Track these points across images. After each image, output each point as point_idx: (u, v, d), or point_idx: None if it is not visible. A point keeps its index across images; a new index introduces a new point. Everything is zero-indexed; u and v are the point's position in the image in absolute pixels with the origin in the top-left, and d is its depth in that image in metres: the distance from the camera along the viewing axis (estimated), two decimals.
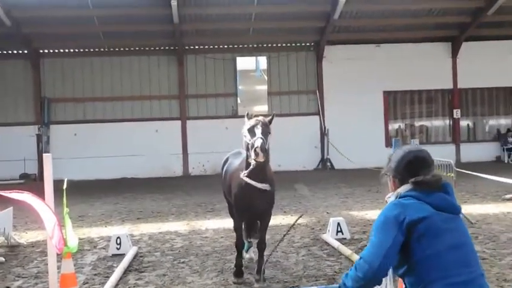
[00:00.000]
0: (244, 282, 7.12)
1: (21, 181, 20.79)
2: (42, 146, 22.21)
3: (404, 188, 2.91)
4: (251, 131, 6.48)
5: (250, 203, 6.79)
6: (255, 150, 6.24)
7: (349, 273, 2.87)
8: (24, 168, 21.85)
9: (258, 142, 6.26)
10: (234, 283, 7.08)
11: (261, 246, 7.09)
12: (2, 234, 9.72)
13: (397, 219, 2.76)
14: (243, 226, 7.38)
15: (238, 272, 7.21)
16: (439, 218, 2.77)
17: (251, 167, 6.47)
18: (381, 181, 3.16)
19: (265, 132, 6.45)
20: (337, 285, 3.02)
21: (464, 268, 2.71)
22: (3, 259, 8.90)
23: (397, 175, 3.00)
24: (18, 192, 6.03)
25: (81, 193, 17.94)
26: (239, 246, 7.27)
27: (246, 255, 7.94)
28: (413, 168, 2.94)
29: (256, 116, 6.77)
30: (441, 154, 12.97)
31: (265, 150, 6.25)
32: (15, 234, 10.51)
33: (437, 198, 2.83)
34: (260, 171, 6.53)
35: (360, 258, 2.84)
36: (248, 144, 6.47)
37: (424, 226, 2.73)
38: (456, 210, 2.87)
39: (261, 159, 6.26)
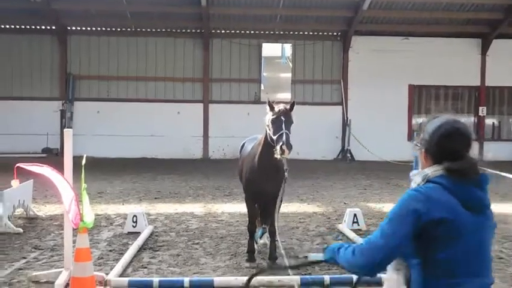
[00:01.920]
0: (256, 266, 7.15)
1: (44, 155, 21.09)
2: (65, 121, 22.43)
3: (434, 171, 2.50)
4: (275, 122, 6.44)
5: (260, 186, 6.86)
6: (281, 148, 6.22)
7: (346, 252, 2.60)
8: (47, 142, 22.14)
9: (284, 138, 6.27)
10: (247, 267, 7.12)
11: (272, 230, 7.13)
12: (22, 206, 9.90)
13: (416, 214, 2.42)
14: (255, 210, 7.41)
15: (251, 257, 7.25)
16: (464, 219, 2.44)
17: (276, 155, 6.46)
18: (413, 151, 2.71)
19: (289, 123, 6.46)
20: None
21: (474, 278, 2.47)
22: (21, 230, 9.06)
23: (429, 149, 2.57)
24: (38, 165, 6.12)
25: (101, 170, 18.11)
26: (251, 231, 7.32)
27: (260, 241, 7.97)
28: (449, 143, 2.51)
29: (277, 103, 6.75)
30: None
31: (291, 146, 6.29)
32: (34, 207, 10.69)
33: (469, 193, 2.46)
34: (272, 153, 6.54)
35: (362, 244, 2.56)
36: (272, 138, 6.44)
37: (444, 229, 2.41)
38: (485, 210, 2.52)
39: (287, 155, 6.34)
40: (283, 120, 6.41)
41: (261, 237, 7.98)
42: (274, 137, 6.38)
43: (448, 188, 2.45)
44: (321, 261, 2.96)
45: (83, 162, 5.88)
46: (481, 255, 2.51)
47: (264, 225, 7.80)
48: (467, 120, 24.95)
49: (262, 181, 6.83)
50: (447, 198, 2.44)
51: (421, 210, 2.42)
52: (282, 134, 6.30)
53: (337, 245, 2.69)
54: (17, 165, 6.05)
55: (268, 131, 6.58)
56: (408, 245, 2.47)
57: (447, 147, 2.52)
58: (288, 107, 6.64)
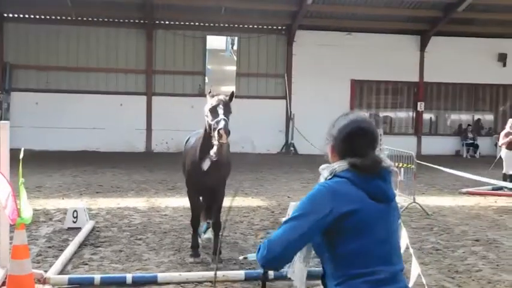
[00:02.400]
0: (201, 262, 7.11)
1: None
2: (2, 113, 21.61)
3: (340, 166, 2.61)
4: (213, 111, 6.48)
5: (201, 180, 6.85)
6: (218, 132, 6.22)
7: (257, 248, 2.65)
8: None
9: (222, 124, 6.29)
10: (191, 263, 7.07)
11: (216, 226, 7.12)
12: None
13: (322, 210, 2.49)
14: (197, 205, 7.37)
15: (195, 252, 7.20)
16: (371, 208, 2.55)
17: (214, 148, 6.43)
18: (323, 148, 2.80)
19: (227, 112, 6.49)
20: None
21: (386, 265, 2.55)
22: None
23: (335, 145, 2.68)
24: None
25: (40, 164, 17.53)
26: (194, 225, 7.29)
27: (204, 236, 7.93)
28: (354, 141, 2.63)
29: (217, 94, 6.75)
30: (403, 145, 13.16)
31: (229, 132, 6.30)
32: None
33: (373, 185, 2.57)
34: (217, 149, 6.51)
35: (268, 239, 2.60)
36: (211, 124, 6.43)
37: (353, 220, 2.50)
38: (389, 199, 2.63)
39: (225, 140, 6.32)
40: (222, 108, 6.44)
41: (205, 232, 7.95)
42: (212, 123, 6.37)
43: (353, 182, 2.56)
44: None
45: (21, 155, 5.67)
46: (390, 244, 2.62)
47: (208, 220, 7.77)
48: (407, 114, 25.75)
49: (204, 174, 6.79)
50: (354, 191, 2.55)
51: (327, 207, 2.50)
52: (220, 120, 6.33)
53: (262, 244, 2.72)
54: None
55: (206, 120, 6.56)
56: (310, 239, 2.57)
57: (351, 145, 2.64)
58: (226, 97, 6.67)
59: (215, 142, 6.40)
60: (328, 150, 2.75)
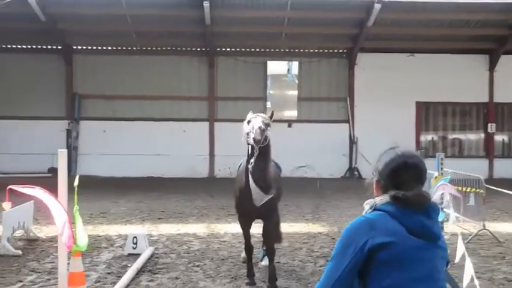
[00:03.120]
0: None
1: (49, 175, 20.99)
2: (71, 141, 22.44)
3: (382, 200, 2.54)
4: (249, 122, 6.61)
5: (248, 206, 6.76)
6: (254, 131, 6.29)
7: None
8: (53, 162, 22.04)
9: (256, 124, 6.37)
10: None
11: (269, 252, 7.00)
12: (22, 227, 9.76)
13: (359, 241, 2.41)
14: (248, 230, 7.25)
15: (251, 281, 7.05)
16: (409, 244, 2.40)
17: (255, 152, 6.46)
18: (364, 184, 2.75)
19: (264, 121, 6.53)
20: None
21: None
22: (20, 252, 8.91)
23: (380, 179, 2.61)
24: (30, 187, 5.97)
25: (106, 190, 18.03)
26: (248, 252, 7.17)
27: (261, 263, 7.77)
28: (399, 176, 2.53)
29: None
30: (473, 169, 12.59)
31: (263, 130, 6.31)
32: (35, 228, 10.55)
33: (414, 220, 2.44)
34: (261, 171, 6.53)
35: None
36: (248, 133, 6.50)
37: (388, 253, 2.38)
38: (433, 238, 2.48)
39: (258, 136, 6.27)
40: (258, 118, 6.57)
41: (261, 260, 7.79)
42: (248, 130, 6.49)
43: (393, 215, 2.46)
44: None
45: (76, 183, 5.73)
46: (432, 284, 2.44)
47: (264, 247, 7.62)
48: (477, 136, 24.76)
49: (250, 198, 6.68)
50: (392, 224, 2.44)
51: (362, 238, 2.42)
52: (255, 122, 6.42)
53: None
54: (9, 187, 5.91)
55: (244, 131, 6.67)
56: (353, 275, 2.45)
57: (396, 179, 2.54)
58: (266, 115, 6.86)
59: (250, 141, 6.45)
60: (373, 185, 2.67)
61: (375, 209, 2.54)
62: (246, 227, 7.17)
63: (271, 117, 6.78)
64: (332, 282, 2.43)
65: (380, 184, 2.61)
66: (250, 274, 7.10)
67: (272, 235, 7.09)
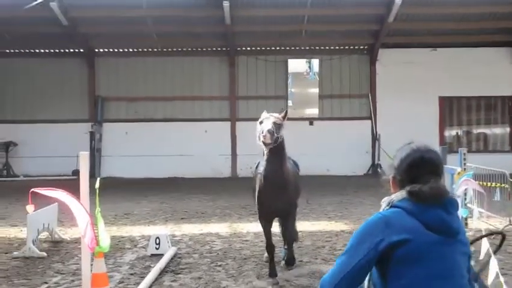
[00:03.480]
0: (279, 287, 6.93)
1: (74, 177, 21.25)
2: (95, 143, 22.69)
3: (398, 196, 2.51)
4: (261, 123, 6.66)
5: (269, 203, 6.88)
6: (264, 133, 6.39)
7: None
8: (77, 164, 22.30)
9: (265, 126, 6.42)
10: None
11: (290, 241, 7.31)
12: (46, 229, 9.88)
13: (374, 238, 2.38)
14: (270, 230, 7.29)
15: (274, 280, 7.03)
16: (427, 240, 2.35)
17: (266, 152, 6.62)
18: (380, 180, 2.75)
19: (276, 123, 6.57)
20: None
21: None
22: (45, 254, 9.01)
23: (397, 175, 2.60)
24: (52, 189, 6.04)
25: (130, 191, 18.19)
26: (270, 251, 7.19)
27: (283, 262, 7.76)
28: (415, 170, 2.51)
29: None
30: (499, 163, 12.37)
31: (272, 132, 6.36)
32: (60, 230, 10.67)
33: (432, 215, 2.38)
34: (276, 169, 6.67)
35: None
36: (259, 134, 6.58)
37: (405, 250, 2.34)
38: (452, 233, 2.41)
39: (268, 140, 6.37)
40: (270, 119, 6.62)
41: (283, 258, 7.78)
42: (259, 131, 6.55)
43: (410, 212, 2.42)
44: None
45: (97, 185, 5.78)
46: (450, 282, 2.36)
47: (285, 246, 7.61)
48: (502, 130, 24.36)
49: (271, 197, 6.84)
50: (408, 220, 2.40)
51: (378, 236, 2.39)
52: (265, 125, 6.50)
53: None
54: (32, 190, 5.98)
55: (257, 137, 6.74)
56: (364, 272, 2.44)
57: (412, 174, 2.51)
58: (280, 115, 6.88)
59: (260, 143, 6.55)
60: (390, 182, 2.67)
61: (391, 206, 2.51)
62: (266, 226, 7.21)
63: (284, 117, 6.81)
64: (341, 276, 2.41)
65: (396, 180, 2.60)
66: (273, 273, 7.09)
67: (291, 231, 7.29)
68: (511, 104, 24.02)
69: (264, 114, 6.86)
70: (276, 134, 6.46)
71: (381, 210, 2.57)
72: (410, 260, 2.34)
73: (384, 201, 2.59)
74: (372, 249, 2.38)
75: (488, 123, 24.61)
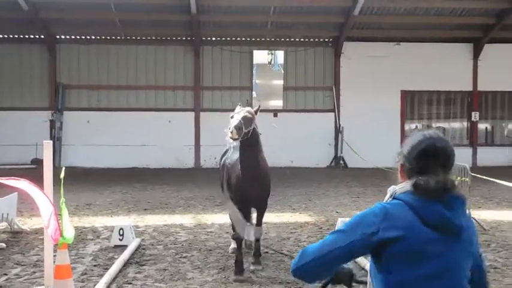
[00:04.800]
0: (245, 280, 6.92)
1: (33, 166, 20.77)
2: (55, 131, 22.19)
3: (402, 187, 2.39)
4: (232, 117, 6.93)
5: (247, 194, 7.10)
6: (230, 130, 6.65)
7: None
8: (36, 153, 21.80)
9: (233, 122, 6.71)
10: (235, 281, 6.90)
11: (257, 231, 7.38)
12: (5, 219, 9.62)
13: (369, 228, 2.30)
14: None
15: (239, 269, 7.04)
16: (422, 237, 2.26)
17: (238, 145, 6.95)
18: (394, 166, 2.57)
19: (246, 117, 6.85)
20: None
21: None
22: (4, 245, 8.80)
23: (406, 163, 2.44)
24: (15, 179, 5.89)
25: (91, 181, 17.91)
26: (237, 239, 7.21)
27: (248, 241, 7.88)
28: (425, 160, 2.37)
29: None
30: (457, 157, 12.58)
31: (239, 128, 6.63)
32: (19, 220, 10.42)
33: (432, 211, 2.28)
34: (251, 158, 6.96)
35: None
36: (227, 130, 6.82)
37: (398, 247, 2.25)
38: (454, 231, 2.30)
39: (234, 135, 6.63)
40: (241, 113, 6.90)
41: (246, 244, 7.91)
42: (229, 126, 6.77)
43: (410, 205, 2.32)
44: None
45: (62, 175, 5.66)
46: (445, 283, 2.28)
47: (248, 223, 7.64)
48: (461, 125, 24.93)
49: (249, 188, 7.04)
50: (407, 215, 2.31)
51: (372, 227, 2.31)
52: (233, 120, 6.77)
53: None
54: None
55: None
56: (348, 257, 2.37)
57: (421, 163, 2.39)
58: (253, 109, 7.19)
59: (228, 139, 6.79)
60: (398, 170, 2.52)
61: (394, 198, 2.42)
62: (245, 215, 7.31)
63: (256, 112, 7.11)
64: (324, 252, 2.34)
65: (405, 168, 2.47)
66: (239, 260, 7.08)
67: (260, 222, 7.49)
68: (470, 99, 24.56)
69: (237, 109, 7.10)
70: (244, 129, 6.69)
71: (384, 199, 2.48)
72: (402, 258, 2.27)
73: (390, 190, 2.48)
74: (363, 239, 2.30)
75: (447, 118, 25.12)
